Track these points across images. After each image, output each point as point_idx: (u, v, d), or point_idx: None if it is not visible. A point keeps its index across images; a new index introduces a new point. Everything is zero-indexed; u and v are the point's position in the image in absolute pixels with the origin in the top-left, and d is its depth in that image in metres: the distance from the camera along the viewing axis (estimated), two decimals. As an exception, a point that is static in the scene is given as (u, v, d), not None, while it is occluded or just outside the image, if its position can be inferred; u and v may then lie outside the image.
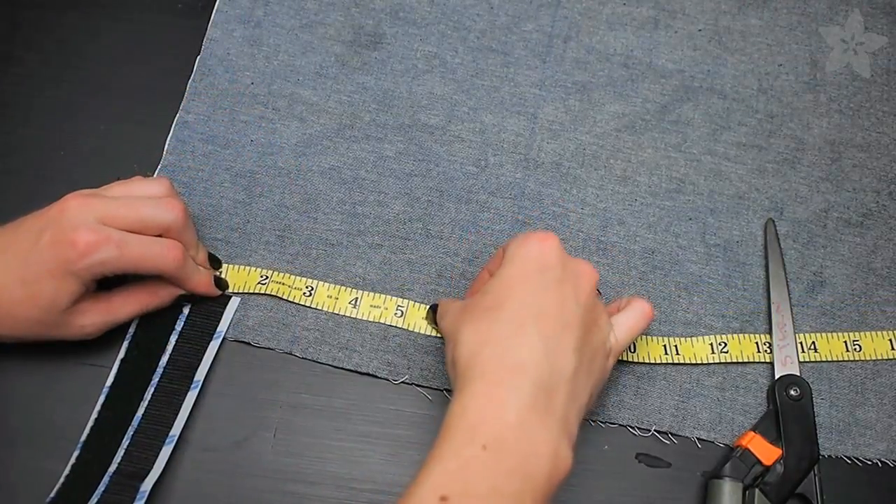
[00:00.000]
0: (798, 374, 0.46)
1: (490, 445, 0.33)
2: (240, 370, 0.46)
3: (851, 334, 0.48)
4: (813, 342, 0.48)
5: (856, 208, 0.51)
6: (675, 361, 0.47)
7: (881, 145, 0.53)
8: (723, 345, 0.47)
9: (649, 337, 0.47)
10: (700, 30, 0.55)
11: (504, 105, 0.53)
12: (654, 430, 0.46)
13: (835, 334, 0.48)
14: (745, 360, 0.47)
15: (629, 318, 0.41)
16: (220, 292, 0.47)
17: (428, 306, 0.47)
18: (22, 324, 0.41)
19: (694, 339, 0.47)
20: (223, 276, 0.48)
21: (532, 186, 0.51)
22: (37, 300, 0.40)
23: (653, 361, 0.47)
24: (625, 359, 0.46)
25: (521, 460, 0.33)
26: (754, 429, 0.44)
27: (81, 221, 0.40)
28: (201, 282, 0.45)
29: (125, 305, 0.44)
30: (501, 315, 0.36)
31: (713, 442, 0.46)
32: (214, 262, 0.47)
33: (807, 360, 0.47)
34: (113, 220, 0.40)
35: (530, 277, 0.37)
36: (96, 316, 0.42)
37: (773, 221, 0.50)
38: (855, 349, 0.47)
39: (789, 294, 0.48)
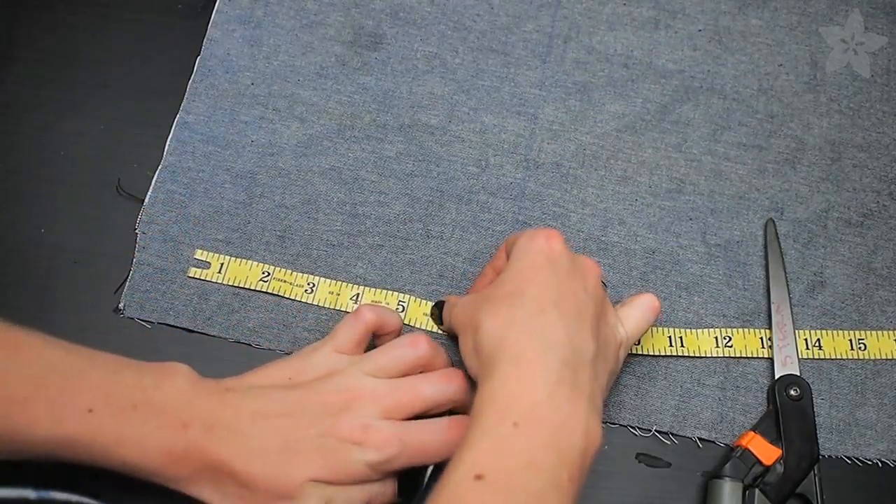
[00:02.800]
0: (798, 374, 0.46)
1: (521, 422, 0.33)
2: (240, 370, 0.46)
3: (857, 332, 0.48)
4: (818, 339, 0.48)
5: (856, 208, 0.51)
6: (680, 354, 0.47)
7: (881, 145, 0.53)
8: (727, 338, 0.47)
9: (653, 328, 0.47)
10: (700, 30, 0.56)
11: (504, 105, 0.53)
12: (655, 430, 0.46)
13: (840, 332, 0.48)
14: (749, 354, 0.47)
15: (636, 311, 0.42)
16: None
17: (432, 303, 0.47)
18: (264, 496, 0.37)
19: (699, 330, 0.48)
20: (227, 268, 0.48)
21: (532, 187, 0.51)
22: (292, 471, 0.36)
23: (658, 353, 0.47)
24: (631, 352, 0.47)
25: (555, 434, 0.33)
26: (754, 429, 0.44)
27: (366, 419, 0.37)
28: None
29: None
30: (521, 300, 0.37)
31: (714, 442, 0.46)
32: None
33: (811, 357, 0.47)
34: (397, 411, 0.38)
35: (543, 268, 0.38)
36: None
37: (774, 221, 0.50)
38: (860, 347, 0.48)
39: (789, 294, 0.48)
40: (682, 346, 0.47)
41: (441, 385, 0.40)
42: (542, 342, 0.36)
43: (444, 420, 0.39)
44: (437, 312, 0.46)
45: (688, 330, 0.48)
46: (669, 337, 0.47)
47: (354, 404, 0.38)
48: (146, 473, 0.37)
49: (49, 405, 0.35)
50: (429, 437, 0.38)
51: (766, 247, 0.50)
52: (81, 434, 0.35)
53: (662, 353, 0.47)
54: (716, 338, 0.48)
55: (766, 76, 0.54)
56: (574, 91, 0.54)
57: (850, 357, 0.47)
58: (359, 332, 0.42)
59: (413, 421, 0.39)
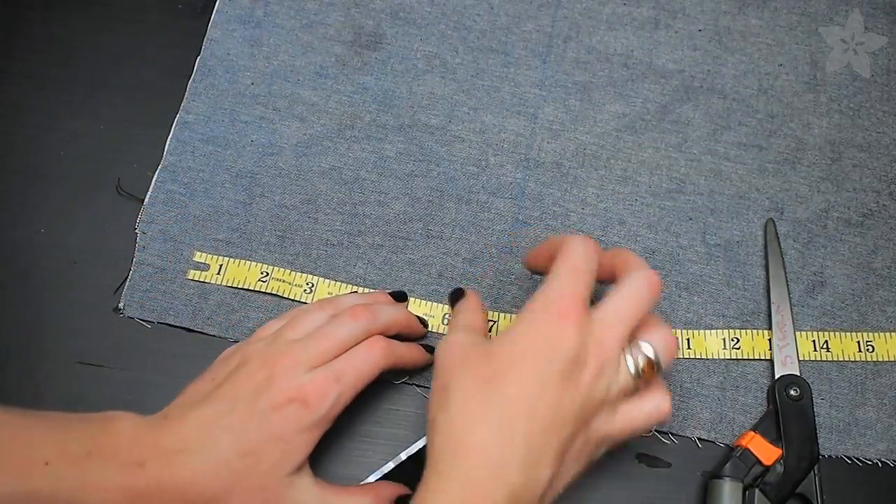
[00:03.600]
0: (798, 374, 0.46)
1: None
2: (240, 370, 0.46)
3: (864, 334, 0.48)
4: (826, 341, 0.48)
5: (856, 208, 0.51)
6: (686, 356, 0.47)
7: (881, 145, 0.53)
8: (735, 340, 0.47)
9: None
10: (700, 30, 0.56)
11: (504, 105, 0.53)
12: (655, 430, 0.46)
13: (848, 334, 0.48)
14: (757, 356, 0.47)
15: (642, 412, 0.38)
16: (429, 358, 0.45)
17: (432, 302, 0.47)
18: (240, 499, 0.37)
19: (707, 331, 0.48)
20: (226, 270, 0.48)
21: (532, 186, 0.51)
22: (259, 466, 0.37)
23: None
24: None
25: None
26: (754, 429, 0.44)
27: (296, 379, 0.38)
28: (412, 356, 0.44)
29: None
30: (496, 398, 0.35)
31: (714, 442, 0.46)
32: (400, 297, 0.47)
33: (819, 359, 0.47)
34: (318, 358, 0.39)
35: (536, 362, 0.35)
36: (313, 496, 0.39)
37: (774, 221, 0.50)
38: (868, 349, 0.48)
39: (789, 294, 0.48)
40: (689, 347, 0.47)
41: (349, 322, 0.41)
42: (497, 465, 0.33)
43: (363, 344, 0.41)
44: (452, 300, 0.46)
45: (695, 331, 0.48)
46: (676, 338, 0.47)
47: (278, 370, 0.38)
48: None
49: (5, 462, 0.35)
50: (359, 363, 0.40)
51: (766, 247, 0.50)
52: (42, 487, 0.35)
53: None
54: (723, 339, 0.47)
55: (766, 76, 0.54)
56: (574, 91, 0.54)
57: (858, 359, 0.47)
58: (274, 322, 0.43)
59: (338, 358, 0.40)
